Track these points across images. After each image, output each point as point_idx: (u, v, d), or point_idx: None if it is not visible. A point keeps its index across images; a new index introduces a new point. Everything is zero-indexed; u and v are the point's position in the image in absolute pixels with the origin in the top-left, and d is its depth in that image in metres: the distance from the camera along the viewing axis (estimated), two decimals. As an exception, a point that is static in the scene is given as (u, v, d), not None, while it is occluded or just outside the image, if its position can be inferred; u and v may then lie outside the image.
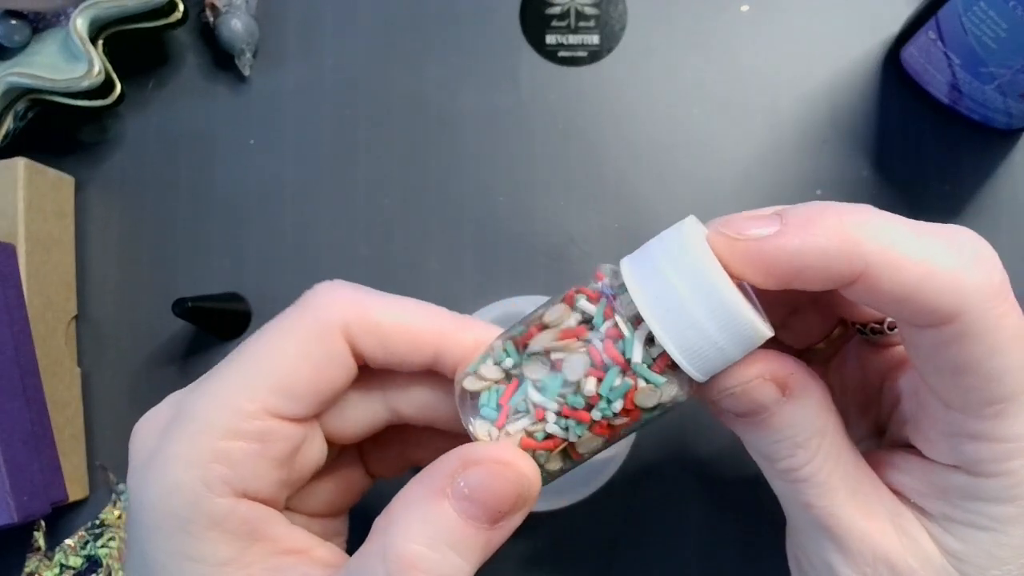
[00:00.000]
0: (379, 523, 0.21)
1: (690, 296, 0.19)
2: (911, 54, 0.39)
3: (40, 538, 0.37)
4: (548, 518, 0.36)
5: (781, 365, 0.22)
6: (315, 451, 0.24)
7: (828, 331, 0.28)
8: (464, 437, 0.24)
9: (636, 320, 0.20)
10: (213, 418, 0.21)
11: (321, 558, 0.23)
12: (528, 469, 0.20)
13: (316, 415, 0.23)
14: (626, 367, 0.20)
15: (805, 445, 0.22)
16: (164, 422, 0.22)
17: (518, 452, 0.21)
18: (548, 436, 0.21)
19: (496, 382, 0.22)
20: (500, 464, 0.20)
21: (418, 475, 0.21)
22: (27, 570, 0.37)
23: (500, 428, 0.21)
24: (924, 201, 0.39)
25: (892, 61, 0.40)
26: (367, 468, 0.28)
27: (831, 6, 0.41)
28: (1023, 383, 0.20)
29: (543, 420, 0.21)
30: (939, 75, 0.38)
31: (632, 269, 0.21)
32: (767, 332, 0.20)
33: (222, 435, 0.21)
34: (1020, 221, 0.39)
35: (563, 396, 0.21)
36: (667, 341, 0.20)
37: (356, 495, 0.28)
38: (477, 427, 0.22)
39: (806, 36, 0.41)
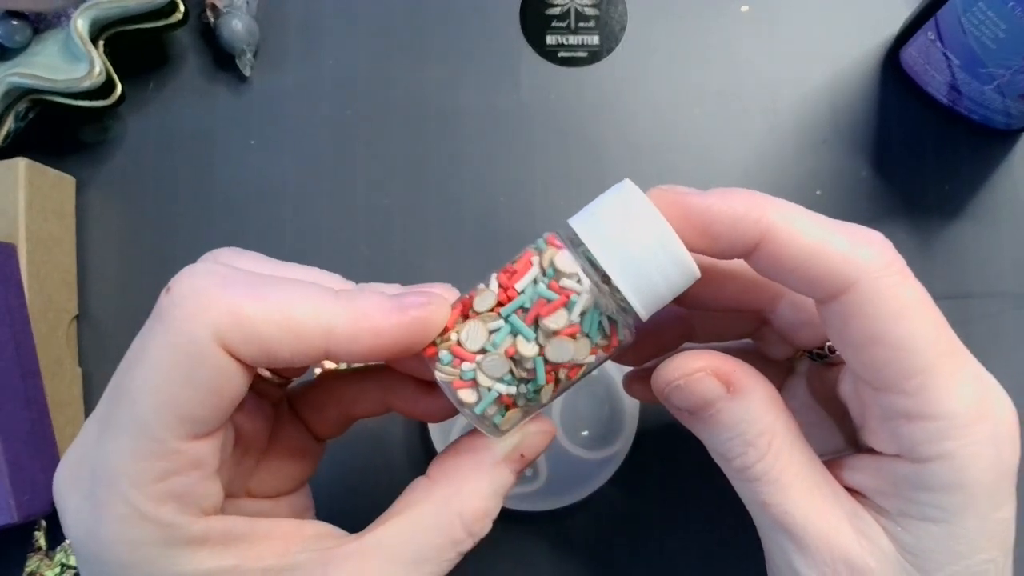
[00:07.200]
0: (441, 481, 0.24)
1: (634, 234, 0.22)
2: (910, 55, 0.39)
3: (41, 537, 0.37)
4: (548, 518, 0.36)
5: (723, 362, 0.23)
6: (230, 431, 0.23)
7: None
8: (395, 381, 0.26)
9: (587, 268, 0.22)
10: (134, 472, 0.20)
11: (315, 532, 0.23)
12: (553, 427, 0.25)
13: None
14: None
15: (755, 443, 0.22)
16: (87, 477, 0.21)
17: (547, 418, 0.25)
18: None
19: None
20: (549, 432, 0.25)
21: (475, 443, 0.24)
22: (28, 569, 0.37)
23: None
24: (924, 201, 0.40)
25: (891, 61, 0.40)
26: (313, 433, 0.27)
27: (831, 6, 0.41)
28: (936, 354, 0.21)
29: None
30: (938, 75, 0.38)
31: (580, 224, 0.23)
32: (697, 270, 0.22)
33: (152, 481, 0.20)
34: (1020, 221, 0.39)
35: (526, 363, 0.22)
36: (619, 277, 0.22)
37: (312, 463, 0.27)
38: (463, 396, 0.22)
39: (806, 36, 0.41)
